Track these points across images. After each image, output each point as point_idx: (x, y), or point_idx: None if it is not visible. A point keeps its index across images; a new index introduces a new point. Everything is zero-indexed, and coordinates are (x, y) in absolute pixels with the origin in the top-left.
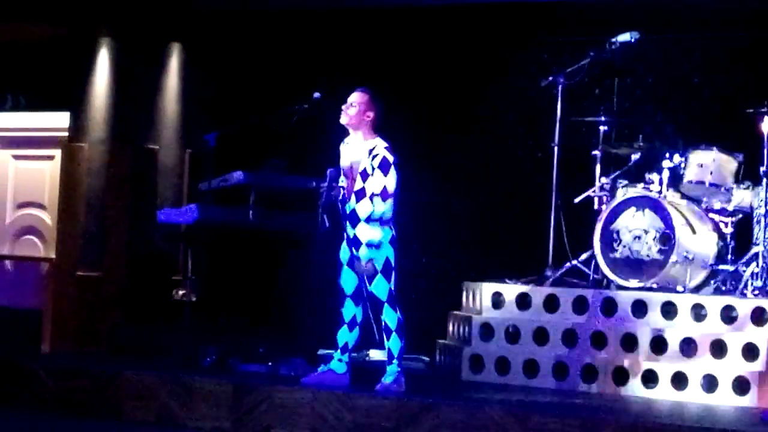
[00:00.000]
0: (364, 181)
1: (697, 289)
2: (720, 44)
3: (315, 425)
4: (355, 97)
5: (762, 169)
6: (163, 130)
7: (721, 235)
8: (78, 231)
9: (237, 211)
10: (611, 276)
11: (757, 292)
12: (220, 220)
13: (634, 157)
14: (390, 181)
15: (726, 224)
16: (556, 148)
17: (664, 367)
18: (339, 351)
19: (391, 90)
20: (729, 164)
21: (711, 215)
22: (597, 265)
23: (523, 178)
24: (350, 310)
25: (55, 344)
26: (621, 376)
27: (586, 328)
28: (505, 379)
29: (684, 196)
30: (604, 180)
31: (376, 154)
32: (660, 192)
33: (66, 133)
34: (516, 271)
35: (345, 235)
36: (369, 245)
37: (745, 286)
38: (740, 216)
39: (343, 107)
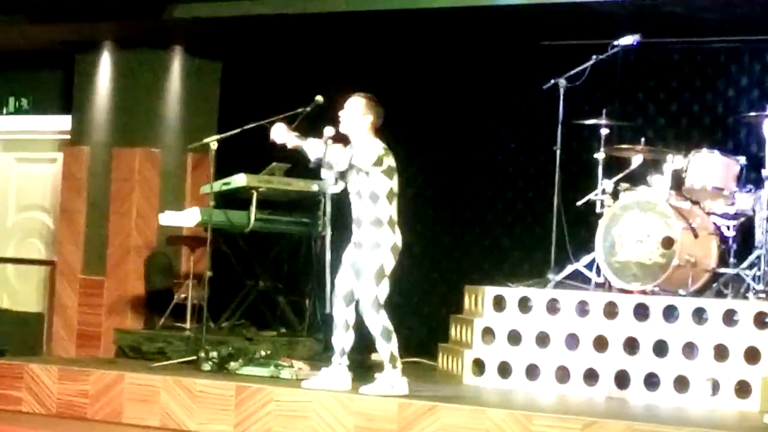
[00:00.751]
0: (365, 184)
1: (698, 293)
2: (722, 48)
3: (316, 428)
4: (350, 104)
5: (764, 172)
6: (164, 133)
7: (723, 239)
8: (80, 234)
9: (239, 214)
10: (613, 279)
11: (759, 295)
12: (222, 223)
13: (636, 160)
14: (390, 183)
15: (728, 228)
16: (558, 152)
17: (666, 371)
18: (337, 354)
19: (392, 94)
20: (731, 168)
21: (713, 219)
22: (599, 269)
23: (526, 181)
24: (341, 311)
25: (57, 347)
26: (623, 379)
27: (588, 332)
28: (506, 382)
29: (686, 199)
30: (606, 183)
31: (376, 157)
32: (662, 195)
33: (68, 136)
34: (518, 275)
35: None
36: (368, 247)
37: (747, 289)
38: (742, 219)
39: (340, 114)
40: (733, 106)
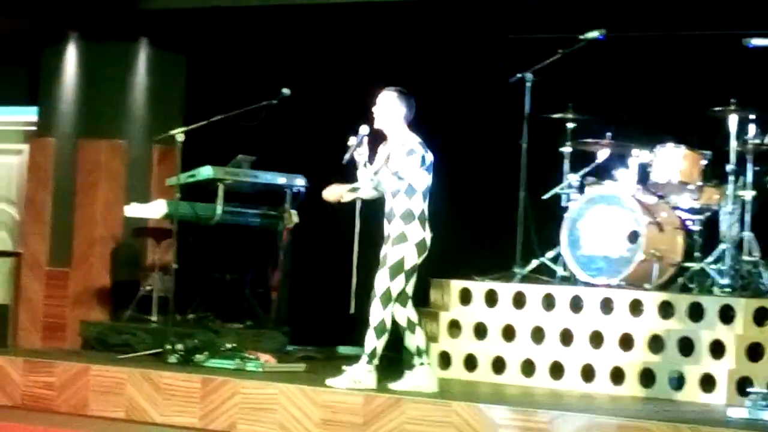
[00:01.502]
0: (396, 177)
1: (664, 287)
2: (688, 42)
3: (282, 421)
4: (381, 98)
5: (728, 167)
6: (130, 125)
7: (689, 233)
8: (45, 225)
9: (205, 206)
10: (579, 273)
11: (724, 289)
12: (188, 215)
13: (602, 154)
14: (428, 178)
15: (693, 222)
16: (524, 145)
17: (631, 365)
18: (415, 356)
19: (356, 86)
20: (696, 162)
21: (678, 213)
22: (564, 263)
23: (491, 175)
24: (400, 313)
25: (23, 339)
26: (588, 373)
27: (553, 326)
28: (472, 375)
29: (652, 193)
30: (572, 177)
31: (408, 151)
32: (628, 190)
33: (34, 128)
34: (484, 268)
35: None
36: (394, 240)
37: (713, 284)
38: (707, 214)
39: (373, 110)
40: (699, 100)
